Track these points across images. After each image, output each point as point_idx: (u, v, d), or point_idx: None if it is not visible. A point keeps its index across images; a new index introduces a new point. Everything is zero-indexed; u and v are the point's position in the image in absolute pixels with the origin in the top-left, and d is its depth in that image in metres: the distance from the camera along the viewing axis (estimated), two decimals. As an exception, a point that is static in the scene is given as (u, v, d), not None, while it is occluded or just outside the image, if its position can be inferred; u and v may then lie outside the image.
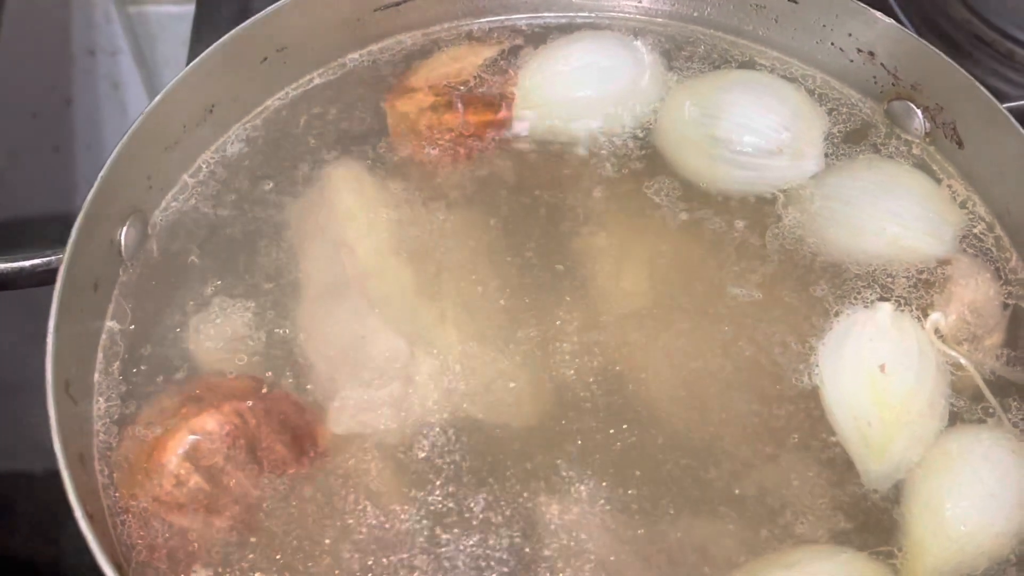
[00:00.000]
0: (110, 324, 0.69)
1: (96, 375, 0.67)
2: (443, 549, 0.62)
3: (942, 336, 0.66)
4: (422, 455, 0.65)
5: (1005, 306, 0.69)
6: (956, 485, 0.61)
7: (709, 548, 0.62)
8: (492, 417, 0.67)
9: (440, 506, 0.63)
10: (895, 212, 0.71)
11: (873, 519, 0.62)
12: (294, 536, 0.63)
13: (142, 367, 0.68)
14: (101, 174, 0.67)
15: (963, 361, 0.65)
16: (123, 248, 0.70)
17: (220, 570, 0.62)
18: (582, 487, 0.64)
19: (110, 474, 0.64)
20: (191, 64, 0.72)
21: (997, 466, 0.62)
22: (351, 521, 0.63)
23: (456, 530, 0.63)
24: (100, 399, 0.67)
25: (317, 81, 0.80)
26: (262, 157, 0.77)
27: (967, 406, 0.64)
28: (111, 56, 1.21)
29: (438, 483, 0.64)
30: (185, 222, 0.74)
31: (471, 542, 0.62)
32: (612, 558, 0.62)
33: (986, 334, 0.68)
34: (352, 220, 0.73)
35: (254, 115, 0.78)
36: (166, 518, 0.62)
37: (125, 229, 0.70)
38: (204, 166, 0.76)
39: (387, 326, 0.69)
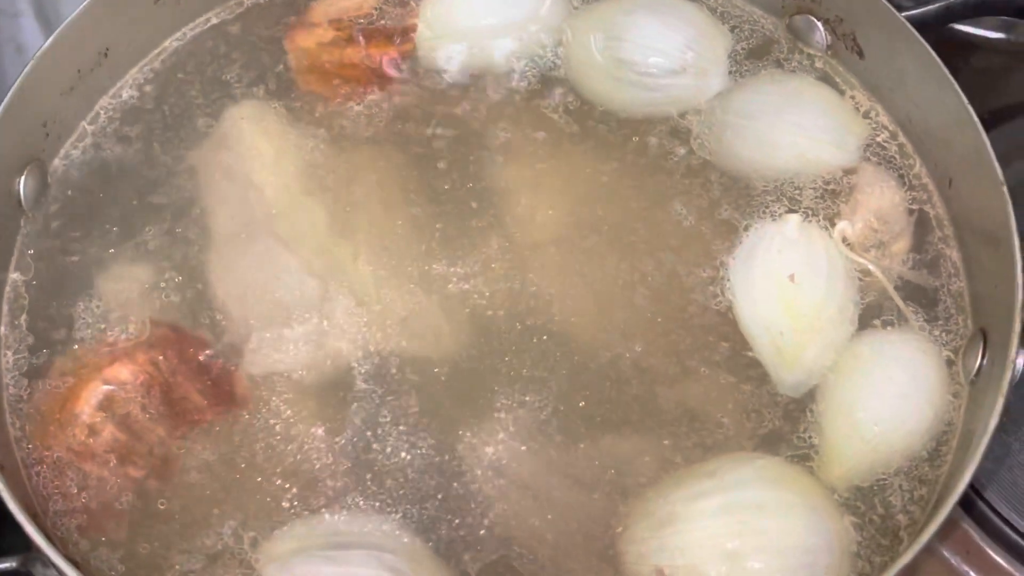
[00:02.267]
0: (14, 276, 0.68)
1: (2, 328, 0.66)
2: (368, 483, 0.62)
3: (850, 244, 0.67)
4: (341, 391, 0.65)
5: (910, 212, 0.70)
6: (868, 387, 0.62)
7: (632, 463, 0.63)
8: (411, 350, 0.67)
9: (362, 441, 0.63)
10: (800, 125, 0.72)
11: (789, 425, 0.63)
12: (213, 481, 0.62)
13: (50, 318, 0.67)
14: (-8, 121, 0.65)
15: (871, 267, 0.66)
16: (22, 198, 0.69)
17: (138, 517, 0.61)
18: (504, 413, 0.64)
19: (22, 427, 0.63)
20: (81, 6, 0.70)
21: (907, 366, 0.63)
22: (271, 462, 0.63)
23: (380, 463, 0.63)
24: (8, 352, 0.65)
25: (214, 20, 0.78)
26: (162, 100, 0.75)
27: (876, 310, 0.65)
28: (12, 19, 1.17)
29: (359, 418, 0.64)
30: (86, 170, 0.72)
31: (395, 473, 0.62)
32: (536, 479, 0.63)
33: (892, 240, 0.69)
34: (258, 160, 0.72)
35: (151, 58, 0.76)
36: (81, 467, 0.61)
37: (23, 179, 0.69)
38: (102, 112, 0.74)
39: (300, 265, 0.69)
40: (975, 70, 0.87)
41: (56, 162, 0.72)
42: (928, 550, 0.68)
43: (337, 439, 0.63)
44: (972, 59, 0.88)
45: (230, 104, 0.74)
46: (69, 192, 0.71)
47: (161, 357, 0.65)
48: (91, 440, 0.62)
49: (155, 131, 0.73)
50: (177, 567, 0.59)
